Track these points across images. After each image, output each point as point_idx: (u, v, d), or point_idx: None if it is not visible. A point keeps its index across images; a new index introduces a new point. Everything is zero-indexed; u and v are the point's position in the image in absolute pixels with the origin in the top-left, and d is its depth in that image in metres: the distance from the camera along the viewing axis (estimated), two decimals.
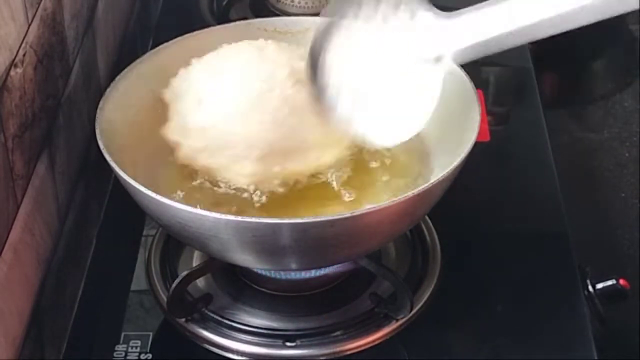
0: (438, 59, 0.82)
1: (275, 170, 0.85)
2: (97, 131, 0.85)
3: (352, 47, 0.83)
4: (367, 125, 0.83)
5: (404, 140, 0.85)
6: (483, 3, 0.79)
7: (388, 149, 0.91)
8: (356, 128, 0.83)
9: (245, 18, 1.24)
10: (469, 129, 0.85)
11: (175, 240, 0.95)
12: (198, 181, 0.88)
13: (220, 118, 0.86)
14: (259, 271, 0.91)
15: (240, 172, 0.86)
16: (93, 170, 1.02)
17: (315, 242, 0.79)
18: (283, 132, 0.85)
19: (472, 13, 0.80)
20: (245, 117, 0.85)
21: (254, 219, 0.77)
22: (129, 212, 0.90)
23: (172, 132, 0.88)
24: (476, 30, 0.79)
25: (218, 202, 0.87)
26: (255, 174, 0.85)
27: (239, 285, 0.93)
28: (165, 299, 0.90)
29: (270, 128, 0.84)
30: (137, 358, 0.88)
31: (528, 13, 0.77)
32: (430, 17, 0.81)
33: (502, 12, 0.78)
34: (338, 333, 0.88)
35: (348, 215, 0.76)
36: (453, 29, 0.80)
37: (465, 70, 0.90)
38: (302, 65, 0.85)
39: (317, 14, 1.20)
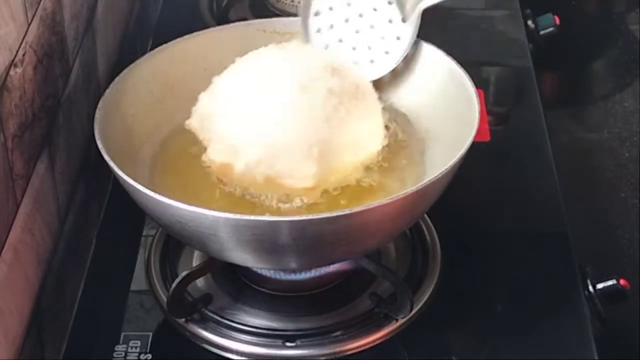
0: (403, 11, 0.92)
1: (335, 165, 0.84)
2: (96, 131, 0.85)
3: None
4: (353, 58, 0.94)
5: (375, 78, 0.94)
6: None
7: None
8: (344, 59, 0.93)
9: (245, 18, 1.24)
10: (468, 127, 0.85)
11: (175, 240, 0.95)
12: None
13: (268, 125, 0.84)
14: (259, 271, 0.91)
15: (304, 174, 0.84)
16: (93, 170, 1.02)
17: (315, 240, 0.79)
18: (336, 124, 0.84)
19: None
20: (294, 117, 0.84)
21: (252, 217, 0.77)
22: (129, 212, 0.90)
23: (217, 155, 0.86)
24: None
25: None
26: (318, 173, 0.84)
27: (239, 285, 0.93)
28: (165, 299, 0.90)
29: (322, 123, 0.83)
30: (137, 358, 0.88)
31: None
32: None
33: None
34: (338, 333, 0.88)
35: (347, 212, 0.76)
36: None
37: (465, 70, 0.91)
38: (331, 55, 0.88)
39: None
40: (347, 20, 0.96)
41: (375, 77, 0.95)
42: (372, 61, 0.96)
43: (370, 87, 0.91)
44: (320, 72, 0.86)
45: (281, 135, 0.84)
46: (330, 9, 0.96)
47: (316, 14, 0.96)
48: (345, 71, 0.89)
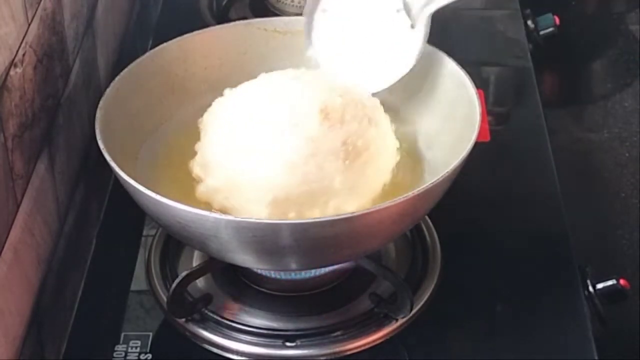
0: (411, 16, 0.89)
1: (290, 216, 0.82)
2: (97, 131, 0.85)
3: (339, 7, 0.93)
4: (353, 73, 0.92)
5: (387, 85, 0.92)
6: None
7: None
8: (344, 76, 0.92)
9: (245, 18, 1.24)
10: (469, 128, 0.85)
11: (175, 240, 0.95)
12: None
13: (237, 156, 0.83)
14: (259, 271, 0.91)
15: (253, 215, 0.82)
16: (93, 170, 1.02)
17: (316, 242, 0.79)
18: (302, 176, 0.81)
19: None
20: (263, 157, 0.82)
21: (254, 219, 0.77)
22: (129, 212, 0.90)
23: (196, 166, 0.87)
24: None
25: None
26: (269, 218, 0.81)
27: (239, 285, 0.93)
28: (165, 299, 0.90)
29: (288, 170, 0.81)
30: (137, 358, 0.88)
31: None
32: None
33: None
34: (338, 333, 0.88)
35: (348, 215, 0.76)
36: None
37: (466, 70, 0.91)
38: (336, 100, 0.83)
39: None
40: (353, 30, 0.94)
41: (385, 86, 0.93)
42: (381, 70, 0.93)
43: (381, 111, 0.89)
44: (309, 116, 0.82)
45: (244, 171, 0.82)
46: (334, 18, 0.95)
47: (320, 25, 0.95)
48: (354, 106, 0.85)
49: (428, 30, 0.92)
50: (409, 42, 0.92)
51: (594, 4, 1.56)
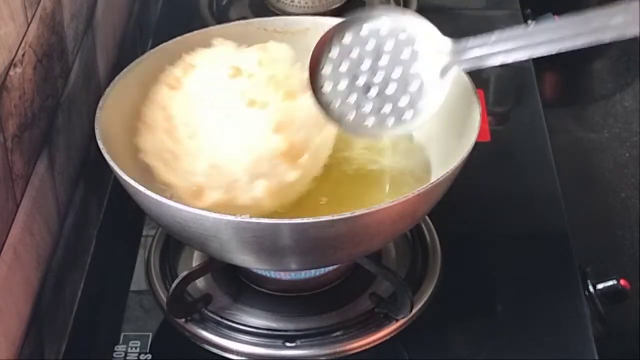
0: (444, 72, 0.81)
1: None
2: (97, 131, 0.85)
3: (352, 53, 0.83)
4: (363, 121, 0.83)
5: (400, 134, 0.84)
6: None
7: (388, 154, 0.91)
8: (352, 123, 0.83)
9: (244, 18, 1.24)
10: (470, 128, 0.85)
11: (175, 240, 0.95)
12: None
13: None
14: (259, 271, 0.91)
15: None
16: (93, 170, 1.02)
17: (315, 242, 0.79)
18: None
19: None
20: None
21: (254, 219, 0.77)
22: (129, 212, 0.90)
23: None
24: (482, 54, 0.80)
25: None
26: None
27: (239, 285, 0.93)
28: (165, 299, 0.90)
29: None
30: (136, 358, 0.88)
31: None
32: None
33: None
34: (338, 333, 0.88)
35: (348, 215, 0.76)
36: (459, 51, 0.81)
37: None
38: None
39: (317, 14, 1.21)
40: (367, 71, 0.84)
41: (399, 133, 0.84)
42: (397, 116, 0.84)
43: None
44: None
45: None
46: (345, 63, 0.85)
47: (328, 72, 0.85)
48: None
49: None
50: (432, 92, 0.83)
51: (594, 4, 1.56)
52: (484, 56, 0.79)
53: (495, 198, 1.05)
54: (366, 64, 0.82)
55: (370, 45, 0.82)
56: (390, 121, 0.82)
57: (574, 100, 1.45)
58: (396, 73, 0.82)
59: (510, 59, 0.79)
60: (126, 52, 1.18)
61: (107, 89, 0.90)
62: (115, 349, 0.89)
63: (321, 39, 0.83)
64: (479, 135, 0.84)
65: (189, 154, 0.84)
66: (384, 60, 0.82)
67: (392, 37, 0.82)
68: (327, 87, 0.83)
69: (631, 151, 1.32)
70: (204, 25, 1.03)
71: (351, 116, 0.83)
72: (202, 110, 0.85)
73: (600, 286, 0.95)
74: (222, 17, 1.28)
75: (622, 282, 0.96)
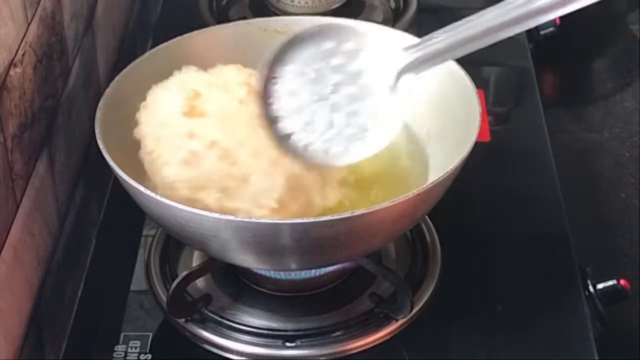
0: (391, 87, 0.80)
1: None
2: (97, 131, 0.85)
3: (302, 74, 0.80)
4: (320, 149, 0.80)
5: (358, 160, 0.82)
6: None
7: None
8: (311, 152, 0.80)
9: (245, 18, 1.24)
10: (469, 129, 0.85)
11: (175, 240, 0.95)
12: None
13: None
14: (259, 271, 0.91)
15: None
16: (93, 170, 1.02)
17: (315, 242, 0.79)
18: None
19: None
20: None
21: (253, 219, 0.77)
22: (129, 212, 0.90)
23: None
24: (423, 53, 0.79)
25: None
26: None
27: (239, 285, 0.93)
28: (165, 299, 0.90)
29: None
30: (136, 358, 0.88)
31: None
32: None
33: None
34: (338, 333, 0.88)
35: (348, 215, 0.76)
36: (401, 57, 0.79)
37: (466, 70, 0.91)
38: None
39: (317, 14, 1.21)
40: (321, 96, 0.81)
41: (361, 158, 0.82)
42: (358, 140, 0.81)
43: None
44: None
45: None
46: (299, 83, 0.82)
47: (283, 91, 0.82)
48: None
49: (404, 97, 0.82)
50: (388, 109, 0.81)
51: (594, 4, 1.56)
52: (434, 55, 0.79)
53: (495, 198, 1.05)
54: (317, 86, 0.80)
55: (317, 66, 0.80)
56: (346, 147, 0.80)
57: (574, 100, 1.44)
58: (349, 91, 0.80)
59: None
60: (126, 52, 1.18)
61: (107, 89, 0.90)
62: (115, 349, 0.89)
63: (261, 69, 0.80)
64: (479, 135, 0.84)
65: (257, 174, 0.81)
66: (334, 78, 0.80)
67: (340, 54, 0.80)
68: (283, 121, 0.80)
69: (631, 151, 1.32)
70: (204, 25, 1.03)
71: (315, 145, 0.80)
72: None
73: (600, 286, 0.95)
74: (222, 17, 1.28)
75: (622, 282, 0.96)
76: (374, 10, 1.30)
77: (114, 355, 0.88)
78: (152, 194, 0.78)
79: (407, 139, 0.93)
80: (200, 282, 0.93)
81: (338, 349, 0.87)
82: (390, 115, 0.81)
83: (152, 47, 0.97)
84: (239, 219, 0.76)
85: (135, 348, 0.89)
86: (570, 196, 1.05)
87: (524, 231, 1.01)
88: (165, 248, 0.96)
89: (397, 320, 0.89)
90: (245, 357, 0.87)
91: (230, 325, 0.89)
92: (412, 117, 0.95)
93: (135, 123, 0.88)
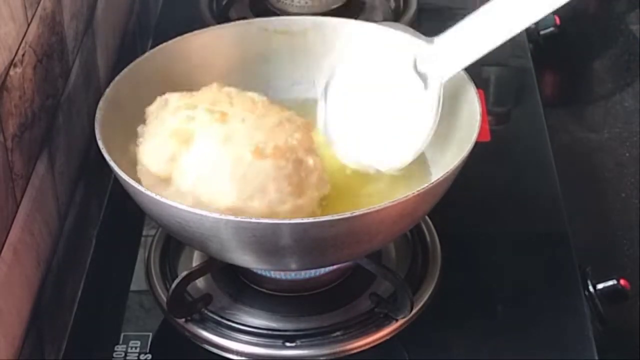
0: (426, 83, 0.85)
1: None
2: (97, 131, 0.85)
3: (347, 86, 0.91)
4: (368, 154, 0.90)
5: (407, 162, 0.89)
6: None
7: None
8: (359, 157, 0.91)
9: (245, 18, 1.24)
10: (469, 129, 0.85)
11: (175, 240, 0.95)
12: None
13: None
14: (259, 271, 0.91)
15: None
16: (93, 170, 1.02)
17: (315, 242, 0.79)
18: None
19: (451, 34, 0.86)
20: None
21: (253, 219, 0.77)
22: (129, 212, 0.90)
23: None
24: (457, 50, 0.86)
25: None
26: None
27: (239, 285, 0.93)
28: (165, 299, 0.90)
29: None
30: (136, 358, 0.88)
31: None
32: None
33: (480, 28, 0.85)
34: (338, 333, 0.88)
35: (348, 215, 0.76)
36: (435, 54, 0.86)
37: (466, 70, 0.91)
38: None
39: (317, 14, 1.21)
40: (363, 106, 0.92)
41: (400, 166, 0.91)
42: (394, 147, 0.91)
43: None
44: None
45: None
46: (342, 96, 0.93)
47: (330, 104, 0.94)
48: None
49: (441, 101, 0.88)
50: (422, 117, 0.89)
51: (594, 4, 1.56)
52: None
53: (495, 198, 1.05)
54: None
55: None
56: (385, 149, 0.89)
57: (574, 100, 1.44)
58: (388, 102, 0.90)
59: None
60: (126, 52, 1.18)
61: (107, 89, 0.90)
62: (115, 349, 0.89)
63: None
64: (479, 135, 0.84)
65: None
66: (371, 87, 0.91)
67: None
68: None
69: (631, 151, 1.32)
70: (204, 25, 1.03)
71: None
72: None
73: (600, 286, 0.95)
74: (222, 17, 1.28)
75: (622, 282, 0.96)
76: (374, 10, 1.30)
77: (114, 355, 0.88)
78: (152, 194, 0.78)
79: None
80: (200, 282, 0.93)
81: (338, 349, 0.87)
82: (425, 119, 0.88)
83: (152, 47, 0.97)
84: (239, 219, 0.76)
85: (135, 348, 0.89)
86: (570, 196, 1.05)
87: (524, 231, 1.01)
88: (165, 248, 0.96)
89: (397, 320, 0.89)
90: (245, 357, 0.87)
91: (230, 325, 0.89)
92: None
93: (135, 123, 0.88)
